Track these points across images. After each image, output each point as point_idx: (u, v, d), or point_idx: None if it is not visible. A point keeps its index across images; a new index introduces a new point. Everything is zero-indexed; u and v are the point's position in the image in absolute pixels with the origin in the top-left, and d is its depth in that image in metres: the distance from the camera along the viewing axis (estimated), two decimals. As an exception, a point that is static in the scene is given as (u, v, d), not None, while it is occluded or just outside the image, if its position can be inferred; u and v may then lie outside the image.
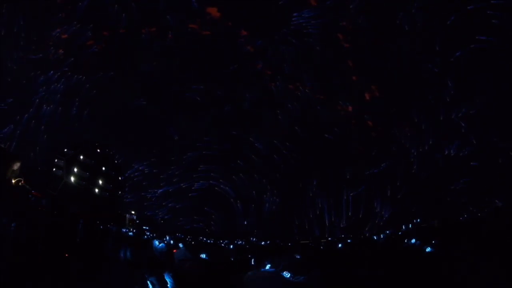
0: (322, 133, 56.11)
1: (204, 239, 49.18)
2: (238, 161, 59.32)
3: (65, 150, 41.81)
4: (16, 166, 3.55)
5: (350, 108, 56.83)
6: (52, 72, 50.30)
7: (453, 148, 47.91)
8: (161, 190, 58.42)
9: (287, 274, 3.93)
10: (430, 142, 49.82)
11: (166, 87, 56.98)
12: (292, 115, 57.17)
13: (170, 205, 59.29)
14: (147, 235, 24.92)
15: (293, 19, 51.84)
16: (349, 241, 27.10)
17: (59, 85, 51.12)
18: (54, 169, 40.18)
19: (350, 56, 53.35)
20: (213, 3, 53.07)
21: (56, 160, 40.91)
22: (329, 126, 55.71)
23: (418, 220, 37.14)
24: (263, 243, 39.86)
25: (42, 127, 50.49)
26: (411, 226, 34.91)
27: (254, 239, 51.95)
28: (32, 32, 46.82)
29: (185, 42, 54.36)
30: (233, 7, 52.62)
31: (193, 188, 59.86)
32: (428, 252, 8.76)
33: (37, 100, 50.07)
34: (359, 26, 49.82)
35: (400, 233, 28.25)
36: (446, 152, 48.35)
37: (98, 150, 45.08)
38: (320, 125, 56.21)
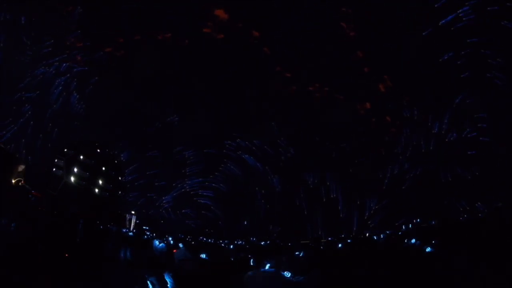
0: (344, 135, 54.62)
1: (204, 239, 49.15)
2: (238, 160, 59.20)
3: (65, 150, 41.78)
4: (21, 168, 3.57)
5: (368, 105, 54.77)
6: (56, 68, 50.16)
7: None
8: (152, 192, 58.33)
9: (287, 274, 3.94)
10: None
11: (176, 90, 56.90)
12: (309, 117, 56.61)
13: (166, 205, 59.25)
14: (147, 235, 24.94)
15: (291, 18, 51.45)
16: (349, 241, 27.05)
17: (71, 68, 50.86)
18: (54, 169, 40.14)
19: (358, 45, 51.55)
20: (218, 5, 52.87)
21: (56, 160, 40.87)
22: (351, 128, 54.43)
23: (418, 220, 37.15)
24: (263, 243, 39.82)
25: (48, 124, 50.40)
26: (411, 226, 34.94)
27: (254, 239, 51.87)
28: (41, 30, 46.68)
29: (202, 46, 54.01)
30: (234, 7, 52.55)
31: (191, 188, 59.85)
32: (428, 252, 8.77)
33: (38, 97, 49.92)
34: (360, 11, 48.76)
35: (400, 233, 28.22)
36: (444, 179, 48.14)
37: (98, 150, 45.06)
38: (341, 126, 54.67)
